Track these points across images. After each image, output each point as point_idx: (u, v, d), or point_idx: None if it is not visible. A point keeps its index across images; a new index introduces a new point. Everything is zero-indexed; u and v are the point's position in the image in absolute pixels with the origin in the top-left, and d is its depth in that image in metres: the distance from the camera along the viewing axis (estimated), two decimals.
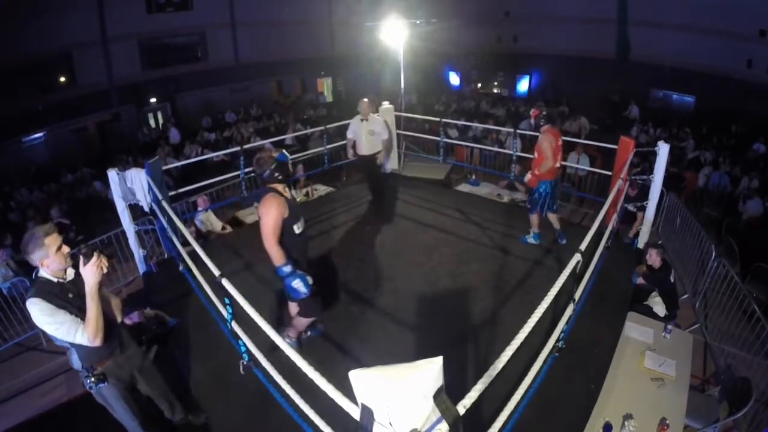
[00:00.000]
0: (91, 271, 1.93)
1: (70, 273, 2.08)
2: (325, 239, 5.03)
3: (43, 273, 2.00)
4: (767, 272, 4.97)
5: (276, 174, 2.57)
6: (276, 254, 2.50)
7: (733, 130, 10.75)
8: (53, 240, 1.95)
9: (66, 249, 1.99)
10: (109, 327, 2.10)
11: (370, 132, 5.15)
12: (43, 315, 1.93)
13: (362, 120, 5.15)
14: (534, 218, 4.62)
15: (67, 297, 2.01)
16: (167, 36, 13.34)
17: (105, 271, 2.00)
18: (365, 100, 5.17)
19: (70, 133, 12.11)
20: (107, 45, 12.08)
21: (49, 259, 1.95)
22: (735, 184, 7.80)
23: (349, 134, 5.35)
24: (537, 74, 15.96)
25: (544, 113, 4.25)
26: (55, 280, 2.01)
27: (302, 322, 3.07)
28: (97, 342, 2.00)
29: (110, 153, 11.45)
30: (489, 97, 15.71)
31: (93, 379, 2.17)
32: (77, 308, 2.00)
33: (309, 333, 3.36)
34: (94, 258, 1.93)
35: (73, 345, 2.08)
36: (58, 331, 1.96)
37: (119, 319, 2.29)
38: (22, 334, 4.73)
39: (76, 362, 2.24)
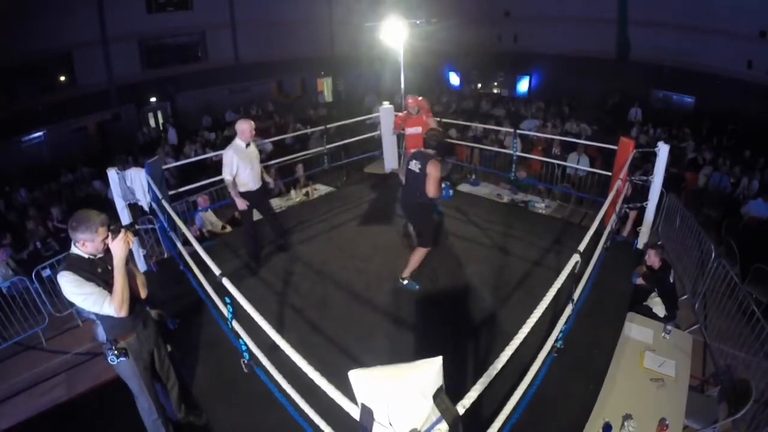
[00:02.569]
0: (118, 246, 2.12)
1: None
2: (325, 239, 5.03)
3: (76, 250, 2.16)
4: (767, 273, 4.98)
5: (441, 145, 3.75)
6: (439, 191, 3.71)
7: (732, 130, 10.75)
8: (103, 231, 2.14)
9: (108, 241, 2.15)
10: (133, 300, 2.26)
11: (256, 158, 4.26)
12: (71, 286, 2.09)
13: (247, 146, 4.15)
14: None
15: (96, 271, 2.18)
16: (167, 36, 13.33)
17: (131, 246, 2.19)
18: (249, 121, 4.20)
19: (70, 133, 12.11)
20: (107, 45, 12.08)
21: (93, 243, 2.14)
22: (735, 185, 7.81)
23: (229, 172, 4.06)
24: (537, 74, 15.97)
25: (420, 98, 5.16)
26: (86, 256, 2.17)
27: (420, 255, 3.89)
28: (123, 313, 2.16)
29: (110, 153, 11.45)
30: (489, 97, 15.71)
31: (115, 352, 2.29)
32: (104, 281, 2.17)
33: (406, 283, 3.98)
34: (122, 234, 2.13)
35: (98, 317, 2.24)
36: (86, 301, 2.12)
37: (143, 295, 2.42)
38: (21, 334, 4.72)
39: (101, 335, 2.39)
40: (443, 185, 4.05)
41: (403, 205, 4.17)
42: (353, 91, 17.10)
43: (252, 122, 4.20)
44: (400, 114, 5.09)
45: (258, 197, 4.37)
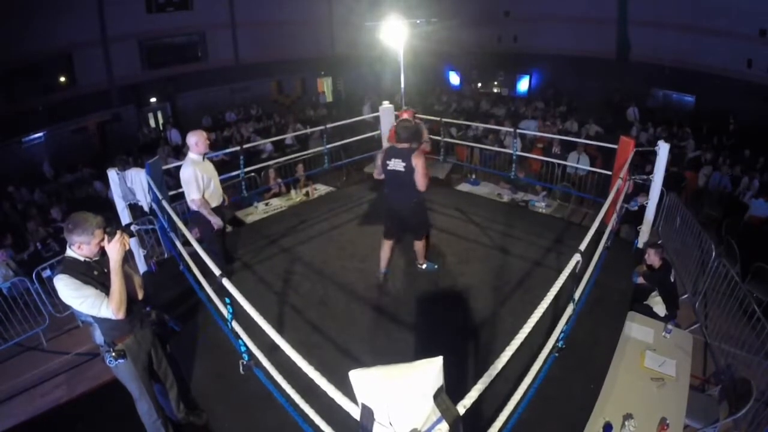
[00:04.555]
0: (114, 248, 2.11)
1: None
2: (326, 239, 5.03)
3: (72, 253, 2.15)
4: (767, 272, 4.97)
5: (414, 135, 3.66)
6: (428, 182, 3.65)
7: (731, 130, 10.75)
8: (99, 233, 2.13)
9: (104, 243, 2.14)
10: (130, 302, 2.26)
11: (214, 171, 4.00)
12: (68, 289, 2.08)
13: (204, 158, 3.86)
14: None
15: (92, 274, 2.17)
16: (167, 36, 13.35)
17: (127, 248, 2.19)
18: (200, 131, 3.85)
19: (71, 133, 12.11)
20: (107, 45, 12.09)
21: (89, 246, 2.13)
22: (735, 184, 7.81)
23: (197, 189, 3.71)
24: (537, 74, 15.97)
25: (416, 112, 5.28)
26: (82, 259, 2.17)
27: (422, 245, 4.05)
28: (121, 315, 2.16)
29: (110, 153, 11.45)
30: (489, 97, 15.71)
31: (113, 354, 2.29)
32: (101, 284, 2.16)
33: (426, 266, 4.19)
34: (118, 235, 2.13)
35: (96, 320, 2.23)
36: (84, 304, 2.11)
37: (140, 296, 2.42)
38: (22, 334, 4.73)
39: (98, 337, 2.38)
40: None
41: (394, 208, 3.81)
42: (353, 92, 17.10)
43: (204, 133, 3.83)
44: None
45: (220, 214, 4.04)
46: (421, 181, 3.51)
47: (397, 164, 3.54)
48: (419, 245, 4.07)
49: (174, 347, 3.35)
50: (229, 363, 2.98)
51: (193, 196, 3.72)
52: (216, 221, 3.85)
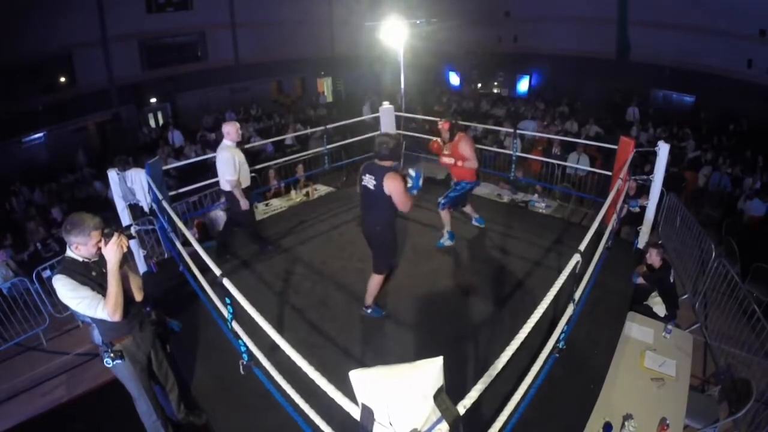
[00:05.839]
0: (112, 250, 2.10)
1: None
2: (326, 240, 5.03)
3: (71, 253, 2.16)
4: (767, 272, 4.97)
5: (395, 152, 3.24)
6: (409, 202, 3.22)
7: (731, 130, 10.75)
8: (97, 234, 2.13)
9: (101, 244, 2.13)
10: (128, 303, 2.25)
11: (244, 157, 4.34)
12: (66, 290, 2.08)
13: (236, 145, 4.23)
14: (446, 215, 4.68)
15: (90, 274, 2.17)
16: (167, 36, 13.33)
17: (125, 249, 2.17)
18: (235, 122, 4.25)
19: (70, 133, 12.11)
20: (107, 45, 12.08)
21: (86, 247, 2.13)
22: (735, 184, 7.80)
23: (235, 170, 4.09)
24: (537, 74, 15.97)
25: (455, 122, 4.49)
26: (81, 259, 2.16)
27: (377, 282, 3.53)
28: (117, 317, 2.14)
29: (110, 153, 11.45)
30: (489, 97, 15.71)
31: (111, 354, 2.29)
32: (99, 285, 2.15)
33: (371, 311, 3.65)
34: (115, 237, 2.11)
35: (94, 320, 2.23)
36: (80, 305, 2.11)
37: (138, 298, 2.40)
38: (22, 334, 4.73)
39: (96, 338, 2.38)
40: (413, 173, 3.29)
41: (363, 230, 3.55)
42: (353, 92, 17.10)
43: (237, 124, 4.25)
44: (437, 140, 4.58)
45: (248, 195, 4.46)
46: (401, 204, 3.16)
47: (369, 181, 3.25)
48: (373, 282, 3.53)
49: (174, 347, 3.35)
50: (229, 363, 2.98)
51: (228, 177, 4.12)
52: (245, 202, 4.25)
